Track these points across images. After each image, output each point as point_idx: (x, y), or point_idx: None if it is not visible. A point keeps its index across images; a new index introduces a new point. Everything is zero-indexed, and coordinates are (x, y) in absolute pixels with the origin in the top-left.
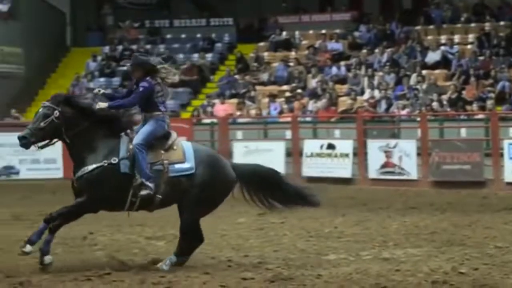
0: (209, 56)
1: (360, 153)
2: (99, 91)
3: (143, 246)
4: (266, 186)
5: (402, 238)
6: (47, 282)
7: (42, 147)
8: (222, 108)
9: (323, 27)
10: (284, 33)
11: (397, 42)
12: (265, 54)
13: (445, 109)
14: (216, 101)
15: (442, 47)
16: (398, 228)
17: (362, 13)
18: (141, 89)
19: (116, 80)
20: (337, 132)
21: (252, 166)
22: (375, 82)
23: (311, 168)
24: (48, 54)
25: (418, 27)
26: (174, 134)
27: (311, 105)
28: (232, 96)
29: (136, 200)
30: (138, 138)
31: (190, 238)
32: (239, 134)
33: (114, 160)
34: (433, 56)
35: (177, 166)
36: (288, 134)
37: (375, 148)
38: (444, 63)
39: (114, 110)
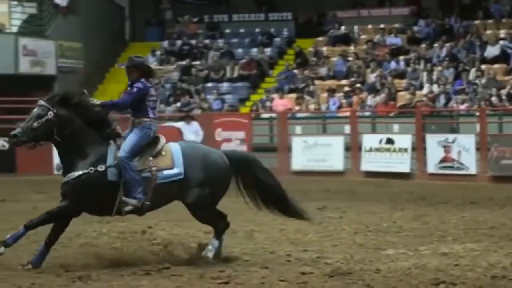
0: (268, 50)
1: (418, 148)
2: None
3: (201, 241)
4: (262, 188)
5: (461, 233)
6: (106, 276)
7: (31, 148)
8: (281, 103)
9: (382, 21)
10: (343, 27)
11: (456, 36)
12: (324, 48)
13: (504, 103)
14: (275, 95)
15: (501, 42)
16: (457, 223)
17: (420, 8)
18: (135, 89)
19: (174, 75)
20: (395, 127)
21: (249, 160)
22: (434, 76)
23: (369, 162)
24: (107, 48)
25: (477, 22)
26: (162, 139)
27: (370, 100)
28: (291, 90)
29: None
30: (123, 149)
31: (215, 222)
32: (298, 128)
33: (101, 168)
34: (492, 51)
35: (165, 172)
36: (347, 128)
37: (433, 143)
38: (503, 57)
39: (107, 108)
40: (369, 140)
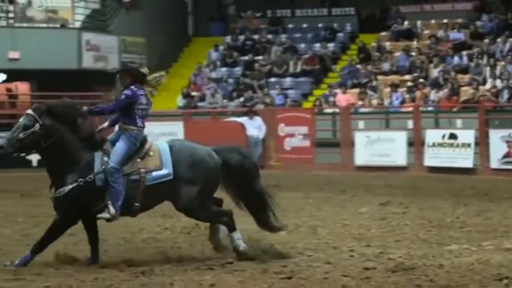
0: (330, 45)
1: (481, 143)
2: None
3: (265, 236)
4: (249, 191)
5: None
6: (169, 271)
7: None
8: (344, 98)
9: (445, 16)
10: (405, 22)
11: None
12: (387, 43)
13: None
14: (338, 90)
15: None
16: None
17: (483, 3)
18: (123, 96)
19: (238, 70)
20: (458, 122)
21: (241, 162)
22: (497, 71)
23: (432, 158)
24: (170, 44)
25: None
26: (149, 139)
27: (433, 95)
28: (354, 85)
29: None
30: (112, 160)
31: (218, 217)
32: (361, 123)
33: (90, 178)
34: None
35: (154, 173)
36: (410, 123)
37: (496, 138)
38: None
39: (94, 114)
40: (432, 135)
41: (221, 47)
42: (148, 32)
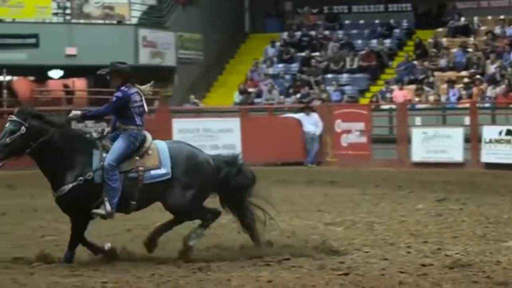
0: (387, 42)
1: None
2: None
3: (321, 232)
4: (236, 206)
5: None
6: (226, 267)
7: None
8: (400, 94)
9: (502, 12)
10: (462, 18)
11: None
12: (444, 39)
13: None
14: (395, 87)
15: None
16: None
17: None
18: (114, 99)
19: (294, 66)
20: None
21: (234, 175)
22: None
23: (489, 154)
24: (226, 40)
25: None
26: (149, 137)
27: (490, 91)
28: (411, 82)
29: None
30: (109, 158)
31: (203, 215)
32: (418, 120)
33: (89, 176)
34: None
35: (152, 172)
36: (467, 120)
37: None
38: None
39: (88, 118)
40: (489, 132)
41: (277, 43)
42: (205, 29)
